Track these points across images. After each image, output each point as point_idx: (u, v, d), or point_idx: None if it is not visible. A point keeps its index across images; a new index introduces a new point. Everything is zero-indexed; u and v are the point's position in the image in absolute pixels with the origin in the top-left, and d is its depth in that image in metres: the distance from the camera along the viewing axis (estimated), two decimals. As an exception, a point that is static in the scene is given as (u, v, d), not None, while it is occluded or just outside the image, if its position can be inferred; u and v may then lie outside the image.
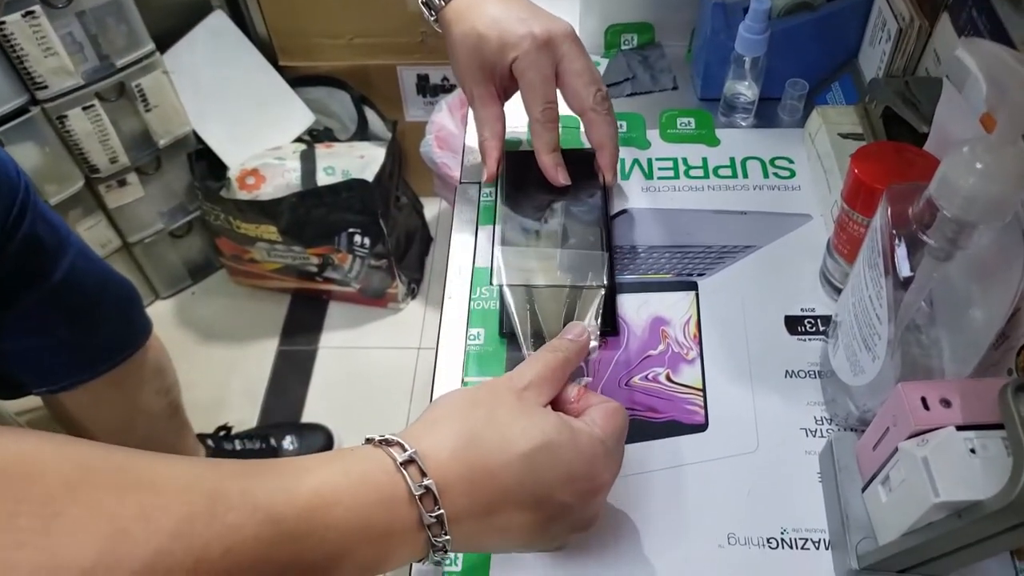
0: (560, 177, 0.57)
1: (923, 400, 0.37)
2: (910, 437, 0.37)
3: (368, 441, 0.36)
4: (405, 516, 0.33)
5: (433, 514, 0.34)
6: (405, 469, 0.34)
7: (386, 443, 0.35)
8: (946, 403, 0.37)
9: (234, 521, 0.29)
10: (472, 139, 0.64)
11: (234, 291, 1.51)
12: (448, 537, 0.34)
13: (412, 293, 1.48)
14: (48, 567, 0.24)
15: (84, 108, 1.18)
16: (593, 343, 0.47)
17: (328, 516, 0.32)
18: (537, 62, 0.54)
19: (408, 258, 1.46)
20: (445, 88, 1.44)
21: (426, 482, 0.34)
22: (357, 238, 1.31)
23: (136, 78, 1.21)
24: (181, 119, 1.31)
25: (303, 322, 1.47)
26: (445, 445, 0.35)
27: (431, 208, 1.59)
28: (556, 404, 0.41)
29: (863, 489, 0.42)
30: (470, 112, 0.61)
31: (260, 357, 1.43)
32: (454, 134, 1.34)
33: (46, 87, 1.13)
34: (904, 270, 0.38)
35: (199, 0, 1.32)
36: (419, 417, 0.38)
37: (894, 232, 0.39)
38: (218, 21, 1.33)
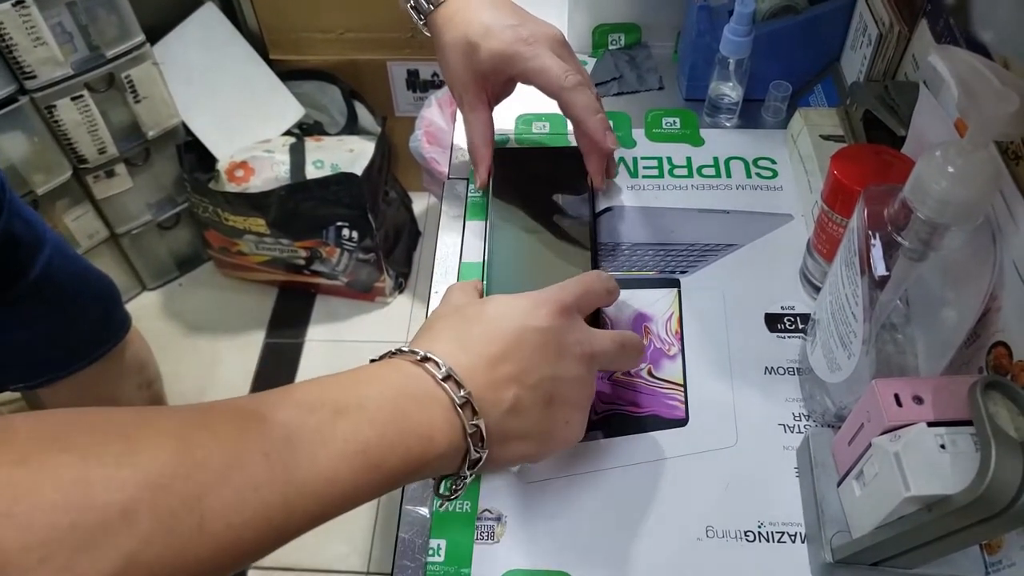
0: (609, 141, 0.55)
1: (896, 397, 0.38)
2: (883, 433, 0.38)
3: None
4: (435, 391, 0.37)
5: (459, 394, 0.37)
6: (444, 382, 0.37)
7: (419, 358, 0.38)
8: (918, 400, 0.38)
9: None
10: (460, 137, 0.64)
11: (221, 283, 1.51)
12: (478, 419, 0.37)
13: (400, 287, 1.49)
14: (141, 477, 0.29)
15: (73, 98, 1.17)
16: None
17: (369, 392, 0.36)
18: (537, 55, 0.54)
19: (396, 252, 1.46)
20: (435, 84, 1.44)
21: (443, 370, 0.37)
22: (345, 232, 1.31)
23: (126, 69, 1.21)
24: (170, 111, 1.30)
25: (290, 315, 1.47)
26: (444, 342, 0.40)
27: (419, 203, 1.59)
28: None
29: (838, 484, 0.43)
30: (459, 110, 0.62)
31: (246, 349, 1.43)
32: (443, 130, 1.35)
33: (35, 77, 1.13)
34: (880, 270, 0.39)
35: (189, -9, 1.32)
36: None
37: (870, 232, 0.40)
38: (209, 14, 1.33)
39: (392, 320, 1.45)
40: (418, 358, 0.38)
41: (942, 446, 0.35)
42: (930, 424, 0.36)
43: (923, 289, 0.42)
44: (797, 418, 0.49)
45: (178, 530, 0.29)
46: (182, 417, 0.32)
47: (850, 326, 0.42)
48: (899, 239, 0.38)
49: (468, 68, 0.55)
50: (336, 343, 1.43)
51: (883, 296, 0.40)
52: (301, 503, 0.32)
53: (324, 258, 1.36)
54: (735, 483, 0.46)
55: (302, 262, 1.38)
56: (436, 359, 0.38)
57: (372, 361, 0.40)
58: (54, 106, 1.16)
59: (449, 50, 0.56)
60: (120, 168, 1.30)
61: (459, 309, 0.42)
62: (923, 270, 0.40)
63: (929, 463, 0.35)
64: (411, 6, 0.58)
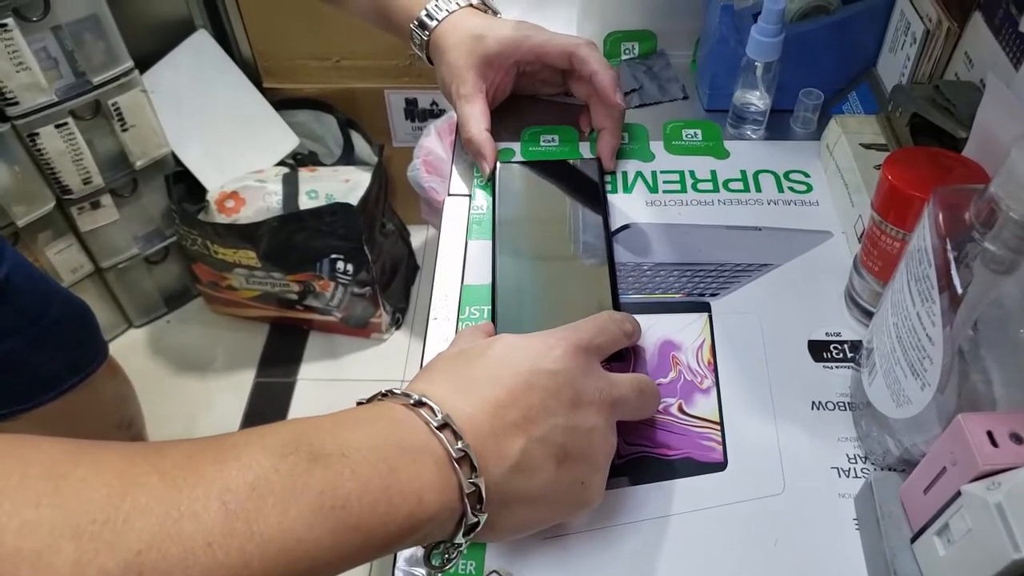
0: (618, 98, 0.55)
1: (990, 435, 0.31)
2: (975, 479, 0.31)
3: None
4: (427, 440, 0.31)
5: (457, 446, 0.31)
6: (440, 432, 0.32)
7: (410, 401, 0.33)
8: (1017, 439, 0.31)
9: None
10: (460, 153, 0.59)
11: (211, 320, 1.45)
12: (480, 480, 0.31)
13: (397, 323, 1.42)
14: (64, 522, 0.24)
15: (57, 126, 1.12)
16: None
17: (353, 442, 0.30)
18: (542, 32, 0.56)
19: (393, 286, 1.40)
20: (434, 113, 1.40)
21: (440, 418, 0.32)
22: (340, 264, 1.25)
23: (113, 96, 1.16)
24: (159, 140, 1.26)
25: (281, 352, 1.40)
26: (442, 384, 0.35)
27: (418, 236, 1.54)
28: None
29: (912, 540, 0.36)
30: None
31: (236, 389, 1.36)
32: (442, 159, 1.30)
33: (17, 103, 1.08)
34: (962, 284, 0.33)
35: (182, 19, 1.28)
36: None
37: (947, 240, 0.34)
38: (201, 41, 1.29)
39: (388, 358, 1.39)
40: (411, 402, 0.32)
41: (1054, 496, 0.29)
42: (1036, 468, 0.30)
43: (999, 308, 0.36)
44: (852, 460, 0.42)
45: None
46: (129, 454, 0.27)
47: (924, 351, 0.35)
48: (987, 245, 0.32)
49: (471, 57, 0.54)
50: (329, 382, 1.36)
51: (960, 314, 0.34)
52: (263, 565, 0.26)
53: (318, 292, 1.30)
54: (785, 538, 0.39)
55: (294, 297, 1.32)
56: (432, 404, 0.32)
57: (359, 403, 0.33)
58: (37, 134, 1.11)
59: (452, 50, 0.55)
60: (106, 199, 1.25)
61: (463, 351, 0.37)
62: (1008, 284, 0.34)
63: (1042, 517, 0.28)
64: (415, 25, 0.57)
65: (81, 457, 0.26)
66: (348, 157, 1.36)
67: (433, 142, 1.30)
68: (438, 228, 1.47)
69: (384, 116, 1.41)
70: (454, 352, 0.37)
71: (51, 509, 0.24)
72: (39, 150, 1.13)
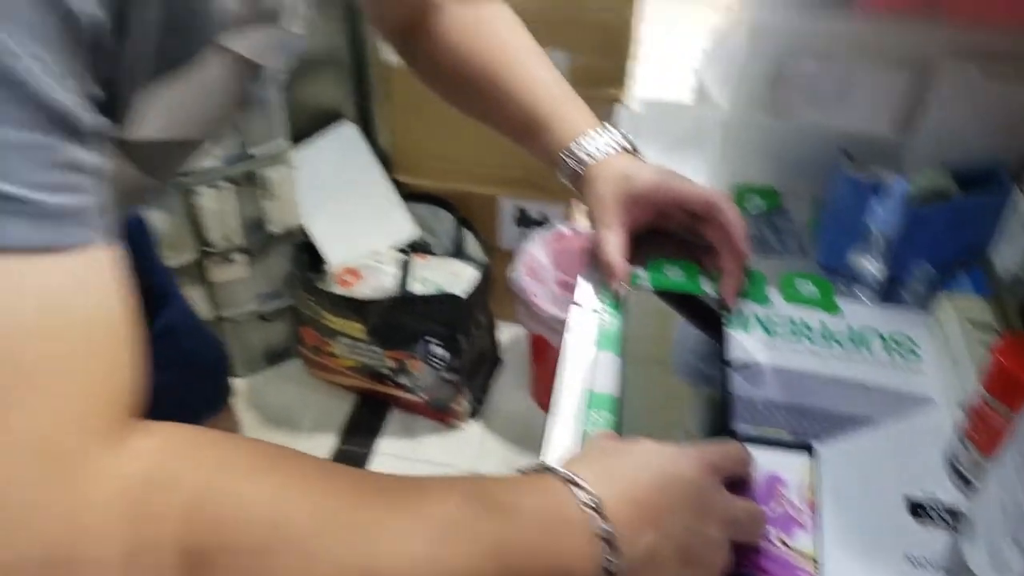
0: (746, 247, 0.60)
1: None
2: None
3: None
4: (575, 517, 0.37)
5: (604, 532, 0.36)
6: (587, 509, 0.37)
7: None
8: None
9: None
10: (590, 268, 0.66)
11: (305, 381, 1.54)
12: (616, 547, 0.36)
13: (474, 413, 1.48)
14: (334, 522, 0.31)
15: (215, 188, 1.26)
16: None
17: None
18: (687, 180, 0.61)
19: (477, 377, 1.46)
20: (540, 223, 1.50)
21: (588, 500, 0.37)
22: (436, 349, 1.33)
23: (265, 168, 1.31)
24: (295, 212, 1.39)
25: (364, 423, 1.47)
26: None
27: (505, 332, 1.61)
28: None
29: None
30: (593, 235, 0.64)
31: (317, 451, 1.42)
32: (543, 266, 1.38)
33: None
34: (1068, 468, 0.37)
35: (334, 108, 1.44)
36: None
37: (1057, 426, 0.38)
38: (347, 130, 1.44)
39: (463, 446, 1.43)
40: (567, 480, 0.38)
41: None
42: None
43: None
44: (946, 621, 0.44)
45: None
46: (357, 478, 0.35)
47: (1028, 525, 0.38)
48: (1096, 437, 0.36)
49: (617, 193, 0.60)
50: (404, 460, 1.41)
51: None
52: None
53: (409, 372, 1.37)
54: None
55: (387, 372, 1.39)
56: (585, 486, 0.37)
57: (519, 471, 0.39)
58: (197, 193, 1.25)
59: (602, 184, 0.61)
60: (240, 257, 1.37)
61: (607, 447, 0.43)
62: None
63: None
64: (566, 154, 0.63)
65: (334, 475, 0.33)
66: (458, 251, 1.46)
67: (537, 249, 1.39)
68: (531, 329, 1.51)
69: (494, 219, 1.51)
70: (599, 447, 0.43)
71: (316, 514, 0.31)
72: (196, 207, 1.27)
